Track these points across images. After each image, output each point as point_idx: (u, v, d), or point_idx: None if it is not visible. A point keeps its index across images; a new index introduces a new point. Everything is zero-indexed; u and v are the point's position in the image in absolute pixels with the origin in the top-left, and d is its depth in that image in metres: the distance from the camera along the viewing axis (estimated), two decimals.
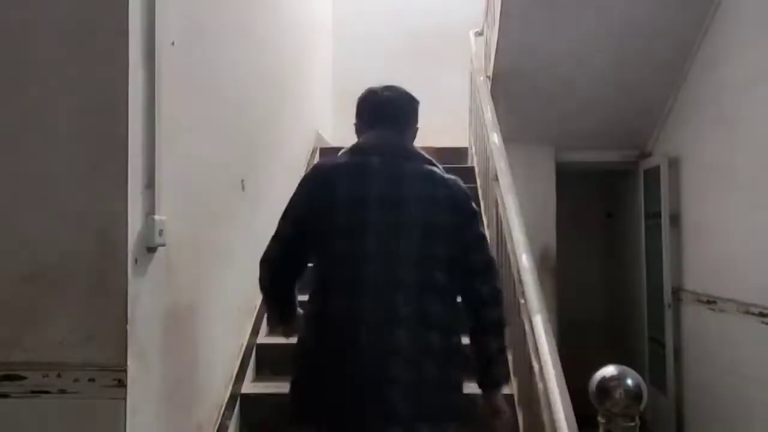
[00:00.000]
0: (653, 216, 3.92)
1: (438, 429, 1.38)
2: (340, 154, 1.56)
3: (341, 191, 1.46)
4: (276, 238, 1.54)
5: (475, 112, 4.02)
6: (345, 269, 1.44)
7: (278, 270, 1.57)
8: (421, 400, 1.36)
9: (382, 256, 1.41)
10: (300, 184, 1.55)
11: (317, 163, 1.63)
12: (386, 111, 1.59)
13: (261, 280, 1.60)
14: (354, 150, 1.55)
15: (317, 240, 1.49)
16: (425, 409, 1.36)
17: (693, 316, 3.47)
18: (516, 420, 2.17)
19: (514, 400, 2.31)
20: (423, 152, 1.58)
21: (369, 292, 1.39)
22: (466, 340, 1.52)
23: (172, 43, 1.67)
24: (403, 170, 1.49)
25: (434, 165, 1.56)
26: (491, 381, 1.51)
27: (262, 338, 2.74)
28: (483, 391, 1.51)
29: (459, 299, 1.51)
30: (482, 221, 1.52)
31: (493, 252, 2.87)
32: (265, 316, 2.68)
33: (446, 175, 1.53)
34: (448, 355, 1.42)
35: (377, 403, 1.34)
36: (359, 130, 1.63)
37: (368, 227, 1.43)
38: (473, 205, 1.53)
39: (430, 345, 1.39)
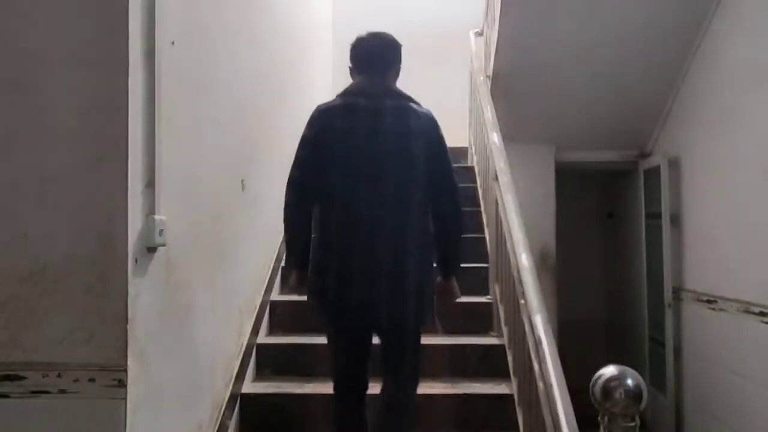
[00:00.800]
0: (653, 216, 3.92)
1: (412, 306, 1.82)
2: (335, 96, 1.93)
3: (336, 125, 1.83)
4: (296, 164, 1.89)
5: (475, 112, 4.02)
6: (341, 189, 1.82)
7: (302, 188, 1.87)
8: (401, 292, 1.80)
9: (368, 176, 1.80)
10: (307, 122, 1.90)
11: (318, 105, 1.92)
12: (371, 58, 1.96)
13: (287, 200, 1.90)
14: (345, 93, 1.92)
15: (323, 163, 1.83)
16: (402, 299, 1.80)
17: (693, 315, 3.47)
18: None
19: (514, 399, 2.31)
20: (402, 91, 1.95)
21: (360, 208, 1.80)
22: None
23: (172, 43, 1.67)
24: (384, 107, 1.85)
25: (412, 101, 1.92)
26: (447, 270, 1.97)
27: (262, 338, 2.74)
28: (442, 276, 1.97)
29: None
30: (448, 150, 1.94)
31: (493, 251, 2.89)
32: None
33: (420, 110, 1.90)
34: (424, 251, 1.86)
35: (370, 290, 1.77)
36: (352, 73, 2.01)
37: (358, 155, 1.81)
38: (441, 134, 1.92)
39: (408, 251, 1.81)
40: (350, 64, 2.01)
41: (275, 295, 3.01)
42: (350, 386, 1.92)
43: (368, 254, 1.78)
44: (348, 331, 1.87)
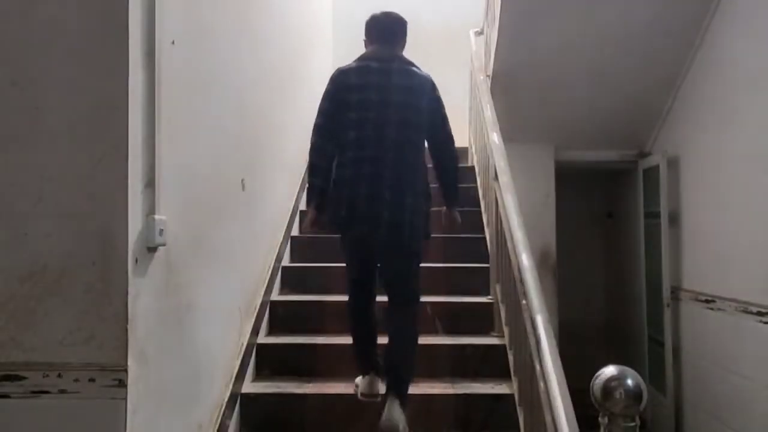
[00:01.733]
0: (652, 215, 3.92)
1: (409, 230, 2.17)
2: (352, 61, 2.31)
3: (352, 81, 2.23)
4: (319, 113, 2.27)
5: (475, 111, 4.02)
6: (356, 132, 2.19)
7: (324, 132, 2.24)
8: (401, 214, 2.15)
9: (378, 122, 2.19)
10: (329, 80, 2.28)
11: (339, 67, 2.31)
12: (383, 31, 2.37)
13: (312, 142, 2.27)
14: (360, 58, 2.32)
15: (341, 111, 2.22)
16: (402, 218, 2.15)
17: (692, 315, 3.47)
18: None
19: (515, 399, 2.31)
20: (406, 58, 2.34)
21: (370, 147, 2.17)
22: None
23: (172, 43, 1.67)
24: (392, 68, 2.26)
25: (415, 66, 2.32)
26: (449, 201, 2.43)
27: (262, 338, 2.74)
28: (446, 207, 2.43)
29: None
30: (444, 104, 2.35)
31: (494, 251, 2.89)
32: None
33: (422, 73, 2.31)
34: (416, 188, 2.21)
35: (376, 213, 2.13)
36: (366, 44, 2.40)
37: (370, 105, 2.20)
38: (439, 93, 2.33)
39: (405, 180, 2.18)
40: (365, 37, 2.41)
41: (275, 295, 3.01)
42: (361, 291, 2.34)
43: (376, 182, 2.15)
44: (358, 245, 2.26)
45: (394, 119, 2.19)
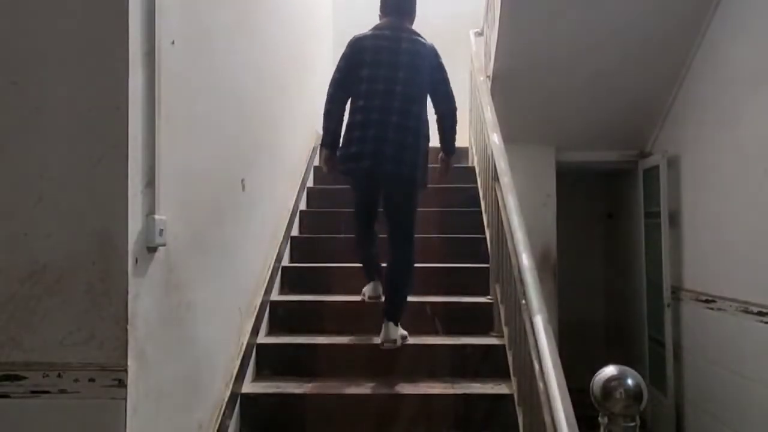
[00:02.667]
0: (653, 215, 3.92)
1: (408, 169, 2.52)
2: (367, 30, 2.70)
3: (367, 44, 2.64)
4: (336, 70, 2.69)
5: (475, 112, 4.02)
6: (367, 86, 2.57)
7: (339, 85, 2.67)
8: (402, 153, 2.51)
9: (387, 78, 2.57)
10: (347, 45, 2.69)
11: (354, 36, 2.69)
12: (395, 5, 2.74)
13: (328, 93, 2.69)
14: (374, 28, 2.70)
15: (355, 70, 2.62)
16: (403, 157, 2.51)
17: (692, 315, 3.47)
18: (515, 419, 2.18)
19: (514, 400, 2.31)
20: (414, 29, 2.72)
21: (379, 98, 2.55)
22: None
23: (172, 43, 1.67)
24: (401, 38, 2.64)
25: (421, 37, 2.70)
26: (446, 150, 2.82)
27: (262, 338, 2.74)
28: (444, 154, 2.82)
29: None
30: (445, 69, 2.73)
31: (494, 251, 2.89)
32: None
33: (427, 42, 2.70)
34: (417, 135, 2.56)
35: (381, 151, 2.50)
36: (379, 17, 2.77)
37: (381, 64, 2.59)
38: (441, 60, 2.72)
39: (407, 127, 2.53)
40: (379, 11, 2.78)
41: (275, 295, 3.01)
42: (364, 220, 2.80)
43: (383, 126, 2.51)
44: (365, 179, 2.63)
45: (401, 77, 2.57)
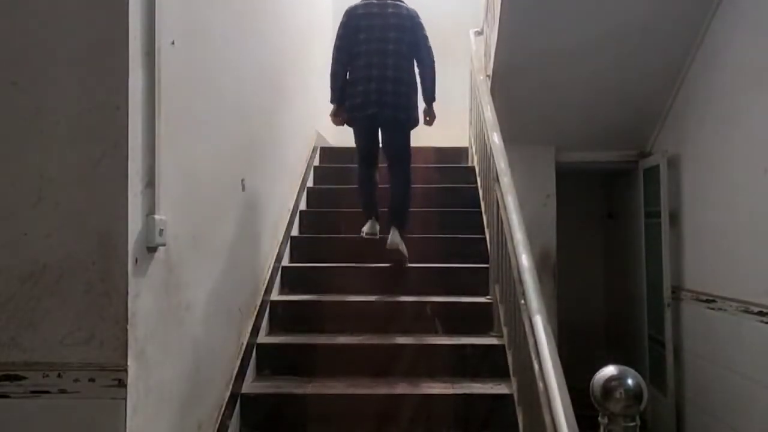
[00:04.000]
0: (653, 215, 3.92)
1: (404, 113, 3.11)
2: (356, 3, 3.23)
3: (360, 15, 3.16)
4: (338, 37, 3.20)
5: (475, 112, 4.02)
6: (365, 47, 3.10)
7: (342, 48, 3.18)
8: (399, 100, 3.08)
9: (381, 40, 3.10)
10: (344, 14, 3.21)
11: (348, 6, 3.21)
12: None
13: (333, 57, 3.23)
14: (363, 1, 3.24)
15: (353, 35, 3.15)
16: (399, 103, 3.09)
17: (692, 315, 3.46)
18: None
19: (514, 400, 2.31)
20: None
21: (376, 56, 3.09)
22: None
23: (172, 43, 1.67)
24: (387, 3, 3.18)
25: (401, 1, 3.23)
26: (427, 99, 3.28)
27: (262, 338, 2.74)
28: (425, 103, 3.29)
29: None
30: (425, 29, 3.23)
31: (494, 251, 2.89)
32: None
33: (410, 8, 3.21)
34: (410, 85, 3.15)
35: (382, 100, 3.07)
36: None
37: (374, 28, 3.11)
38: (420, 20, 3.20)
39: (402, 79, 3.10)
40: None
41: (275, 295, 3.01)
42: (366, 159, 3.27)
43: (381, 79, 3.06)
44: (368, 123, 3.15)
45: (391, 37, 3.10)
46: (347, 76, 3.18)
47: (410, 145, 3.25)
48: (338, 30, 3.19)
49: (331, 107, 3.30)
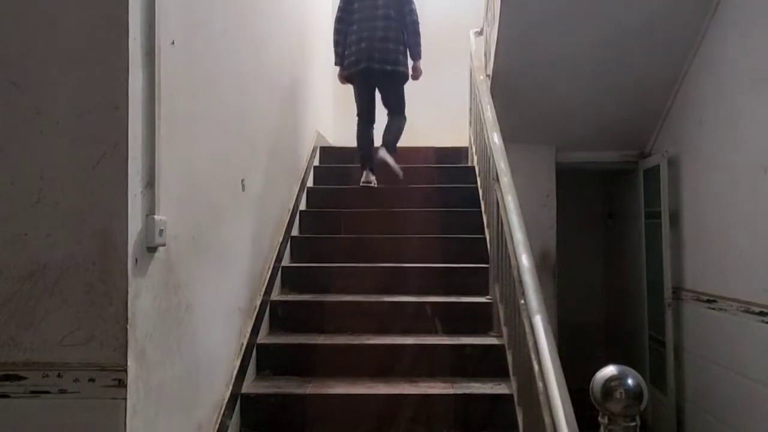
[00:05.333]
0: (653, 215, 3.92)
1: (391, 66, 3.70)
2: None
3: None
4: (338, 9, 3.87)
5: (475, 112, 4.02)
6: (358, 15, 3.75)
7: (341, 19, 3.84)
8: (385, 55, 3.68)
9: (372, 8, 3.74)
10: None
11: None
12: None
13: (336, 26, 3.87)
14: None
15: (349, 6, 3.82)
16: (386, 58, 3.69)
17: (693, 315, 3.46)
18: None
19: (514, 399, 2.31)
20: None
21: (366, 22, 3.72)
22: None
23: (172, 43, 1.67)
24: None
25: None
26: (413, 56, 3.84)
27: (262, 338, 2.74)
28: (414, 62, 3.86)
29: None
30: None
31: (494, 251, 2.89)
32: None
33: None
34: (397, 42, 3.73)
35: (372, 55, 3.68)
36: None
37: (365, 1, 3.77)
38: None
39: (388, 37, 3.69)
40: None
41: (275, 295, 3.01)
42: (364, 115, 3.89)
43: (372, 39, 3.70)
44: (364, 77, 3.76)
45: (380, 4, 3.75)
46: (346, 41, 3.81)
47: (404, 97, 3.89)
48: (338, 6, 3.89)
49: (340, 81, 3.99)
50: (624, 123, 3.92)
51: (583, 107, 3.82)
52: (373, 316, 2.89)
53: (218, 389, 2.17)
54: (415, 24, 3.80)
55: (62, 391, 1.41)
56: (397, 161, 3.71)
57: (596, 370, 1.28)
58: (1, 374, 1.41)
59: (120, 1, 1.44)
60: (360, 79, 3.75)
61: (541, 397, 1.66)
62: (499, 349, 2.62)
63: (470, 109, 4.38)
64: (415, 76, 3.90)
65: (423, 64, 3.92)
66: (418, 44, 3.82)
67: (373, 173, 3.78)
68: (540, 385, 1.67)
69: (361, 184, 3.78)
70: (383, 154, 3.71)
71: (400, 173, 3.75)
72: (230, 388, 2.27)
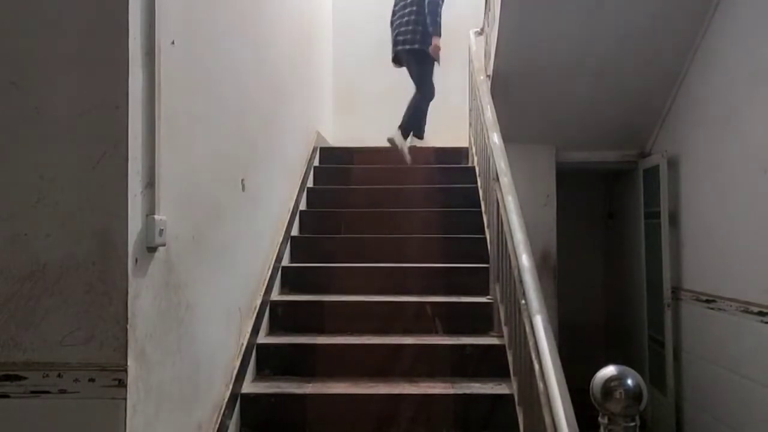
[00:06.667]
0: (653, 215, 3.92)
1: (411, 45, 4.55)
2: None
3: None
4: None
5: (475, 112, 4.02)
6: (395, 9, 4.73)
7: (392, 15, 4.77)
8: (409, 37, 4.56)
9: (403, 5, 4.65)
10: None
11: None
12: None
13: (390, 24, 4.79)
14: None
15: (393, 8, 4.78)
16: (409, 39, 4.56)
17: (692, 315, 3.47)
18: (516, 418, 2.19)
19: (514, 400, 2.31)
20: None
21: (398, 15, 4.68)
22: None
23: (172, 43, 1.67)
24: None
25: None
26: (435, 32, 4.41)
27: (262, 338, 2.74)
28: (433, 37, 4.43)
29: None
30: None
31: (494, 252, 2.89)
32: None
33: None
34: (418, 26, 4.51)
35: (401, 38, 4.61)
36: None
37: (398, 1, 4.76)
38: None
39: (412, 21, 4.54)
40: None
41: (275, 295, 3.01)
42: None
43: (401, 28, 4.55)
44: (401, 58, 4.64)
45: (409, 2, 4.55)
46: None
47: (426, 76, 4.51)
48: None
49: None
50: (624, 123, 3.92)
51: (583, 107, 3.83)
52: (374, 316, 2.89)
53: (218, 389, 2.17)
54: (432, 4, 4.38)
55: (62, 391, 1.41)
56: (397, 160, 3.71)
57: (596, 370, 1.28)
58: (1, 374, 1.41)
59: (120, 1, 1.44)
60: (399, 58, 4.65)
61: (542, 398, 1.66)
62: (499, 349, 2.62)
63: (470, 109, 4.38)
64: (432, 52, 4.38)
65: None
66: (434, 22, 4.37)
67: (403, 135, 4.41)
68: (540, 385, 1.67)
69: (387, 141, 4.41)
70: (395, 134, 4.27)
71: (408, 158, 4.22)
72: (230, 388, 2.27)
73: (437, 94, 4.66)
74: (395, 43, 4.56)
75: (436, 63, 4.48)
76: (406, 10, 4.51)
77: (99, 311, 1.42)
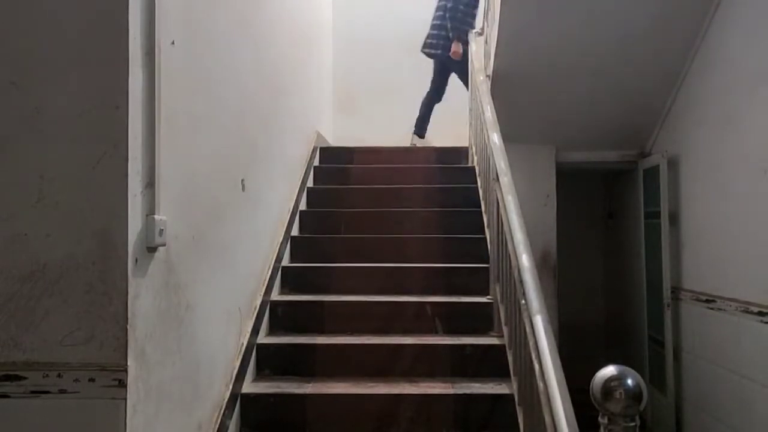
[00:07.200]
0: (653, 215, 3.92)
1: (434, 49, 4.82)
2: None
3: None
4: None
5: (475, 112, 4.02)
6: (433, 16, 4.90)
7: None
8: (434, 41, 4.83)
9: (436, 17, 4.82)
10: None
11: None
12: None
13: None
14: None
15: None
16: (433, 43, 4.84)
17: (692, 315, 3.47)
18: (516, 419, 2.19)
19: (514, 399, 2.31)
20: None
21: (432, 23, 4.85)
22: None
23: (172, 43, 1.67)
24: None
25: None
26: (454, 36, 4.62)
27: (262, 338, 2.74)
28: (453, 42, 4.63)
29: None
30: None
31: (494, 251, 2.89)
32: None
33: None
34: (441, 31, 4.73)
35: (430, 43, 4.88)
36: None
37: (437, 9, 4.87)
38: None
39: (436, 27, 4.79)
40: None
41: (275, 295, 3.01)
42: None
43: (432, 33, 4.79)
44: (432, 59, 4.89)
45: (441, 6, 4.75)
46: None
47: (441, 78, 4.90)
48: None
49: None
50: (624, 123, 3.93)
51: (583, 107, 3.83)
52: (374, 316, 2.89)
53: (218, 389, 2.17)
54: (452, 10, 4.64)
55: (62, 391, 1.41)
56: (397, 160, 3.70)
57: (596, 370, 1.29)
58: (1, 374, 1.41)
59: (120, 1, 1.44)
60: (428, 54, 4.91)
61: (542, 397, 1.66)
62: (499, 349, 2.62)
63: (470, 109, 4.38)
64: (453, 53, 4.61)
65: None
66: (454, 28, 4.59)
67: (420, 137, 4.89)
68: (540, 385, 1.67)
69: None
70: (415, 140, 4.90)
71: (414, 143, 4.81)
72: (230, 387, 2.27)
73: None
74: (423, 45, 4.82)
75: (459, 66, 4.61)
76: (437, 14, 4.75)
77: (99, 311, 1.42)
